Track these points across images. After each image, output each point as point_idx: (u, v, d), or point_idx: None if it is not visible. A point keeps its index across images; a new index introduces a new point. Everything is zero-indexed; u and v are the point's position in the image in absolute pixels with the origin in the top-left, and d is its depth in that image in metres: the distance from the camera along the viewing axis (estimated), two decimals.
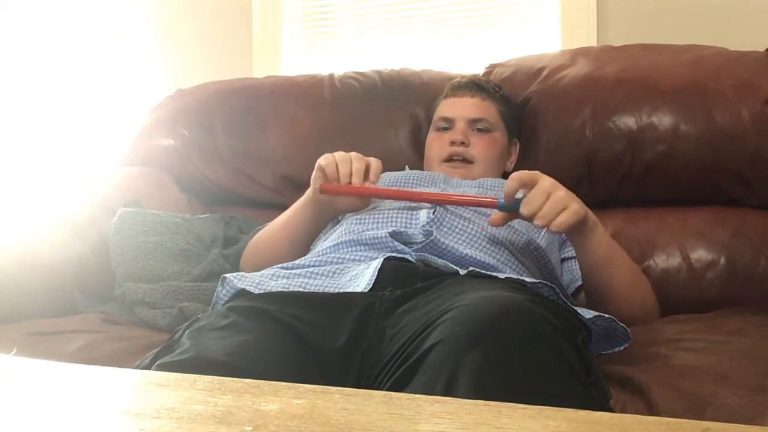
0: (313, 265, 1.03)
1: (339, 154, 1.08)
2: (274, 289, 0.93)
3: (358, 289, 0.91)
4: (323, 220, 1.19)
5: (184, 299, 1.25)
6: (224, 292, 0.99)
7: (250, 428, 0.40)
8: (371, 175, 1.07)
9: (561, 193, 0.97)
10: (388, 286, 0.90)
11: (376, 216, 1.13)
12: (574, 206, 0.97)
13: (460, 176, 1.33)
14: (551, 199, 0.96)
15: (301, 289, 0.93)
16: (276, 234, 1.25)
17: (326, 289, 0.93)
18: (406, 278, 0.93)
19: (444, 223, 1.09)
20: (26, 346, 1.07)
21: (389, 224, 1.10)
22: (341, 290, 0.92)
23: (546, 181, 0.98)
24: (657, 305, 1.16)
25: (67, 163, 2.08)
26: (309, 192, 1.16)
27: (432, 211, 1.11)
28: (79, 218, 1.42)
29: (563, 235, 1.27)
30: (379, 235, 1.04)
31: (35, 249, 1.30)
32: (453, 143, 1.35)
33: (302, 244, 1.22)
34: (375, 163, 1.08)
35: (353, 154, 1.09)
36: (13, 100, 2.22)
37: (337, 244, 1.08)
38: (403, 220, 1.10)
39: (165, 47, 2.26)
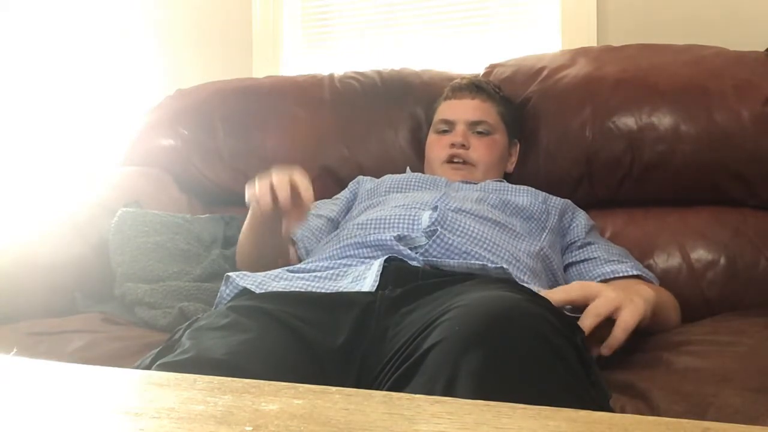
0: (317, 270, 1.03)
1: (260, 185, 1.00)
2: (274, 290, 0.93)
3: (364, 289, 0.91)
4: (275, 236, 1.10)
5: (184, 299, 1.25)
6: (228, 291, 0.99)
7: (250, 428, 0.40)
8: (303, 192, 0.97)
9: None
10: (388, 286, 0.91)
11: (379, 219, 1.13)
12: (625, 312, 0.89)
13: (461, 178, 1.33)
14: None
15: (301, 290, 0.93)
16: (245, 253, 1.20)
17: (327, 291, 0.94)
18: (406, 278, 0.93)
19: (446, 223, 1.08)
20: (26, 346, 1.07)
21: (392, 228, 1.09)
22: (343, 290, 0.92)
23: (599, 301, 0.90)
24: (678, 307, 1.18)
25: (67, 163, 2.08)
26: (249, 215, 1.11)
27: (434, 212, 1.11)
28: (79, 218, 1.42)
29: (568, 239, 1.27)
30: (384, 239, 1.04)
31: (35, 249, 1.30)
32: (453, 146, 1.35)
33: (275, 253, 1.17)
34: (300, 179, 0.97)
35: (277, 175, 0.99)
36: (13, 100, 2.22)
37: (342, 247, 1.07)
38: (406, 222, 1.10)
39: (165, 47, 2.26)
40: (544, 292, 0.89)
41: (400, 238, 1.04)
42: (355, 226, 1.13)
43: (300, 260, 1.19)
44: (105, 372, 0.54)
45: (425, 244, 1.03)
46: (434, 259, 1.00)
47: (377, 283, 0.91)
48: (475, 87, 1.42)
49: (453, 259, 1.00)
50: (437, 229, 1.03)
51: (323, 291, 0.93)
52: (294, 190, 0.95)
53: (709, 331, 1.04)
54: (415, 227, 1.09)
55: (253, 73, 2.07)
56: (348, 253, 1.06)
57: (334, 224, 1.31)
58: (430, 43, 1.98)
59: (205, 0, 2.22)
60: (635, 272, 1.18)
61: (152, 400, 0.46)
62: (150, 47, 2.29)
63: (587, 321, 0.86)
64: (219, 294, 1.01)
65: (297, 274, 1.00)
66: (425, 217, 1.10)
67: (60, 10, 2.32)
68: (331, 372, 0.80)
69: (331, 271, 1.00)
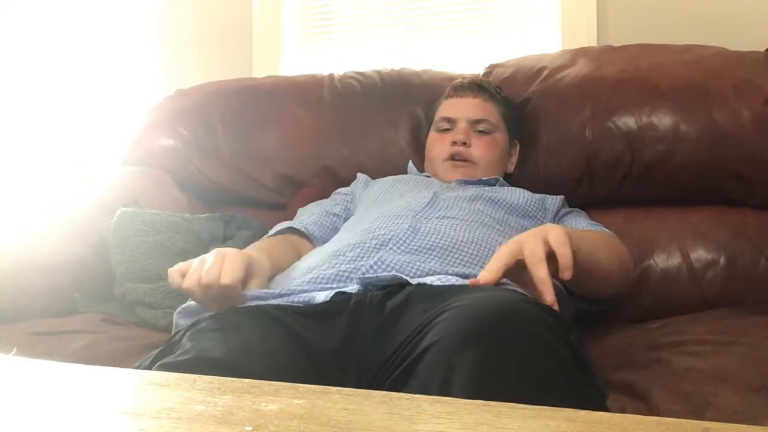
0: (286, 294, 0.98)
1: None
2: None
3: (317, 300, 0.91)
4: None
5: (184, 299, 1.25)
6: (186, 322, 0.95)
7: (250, 428, 0.40)
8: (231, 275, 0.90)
9: (533, 240, 0.85)
10: (374, 290, 0.91)
11: (355, 245, 1.07)
12: (551, 235, 0.85)
13: (461, 175, 1.33)
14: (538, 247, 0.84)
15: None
16: None
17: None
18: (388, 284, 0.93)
19: (415, 240, 1.04)
20: (26, 346, 1.08)
21: (363, 255, 1.03)
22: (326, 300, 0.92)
23: (525, 247, 0.85)
24: (628, 256, 1.15)
25: (67, 163, 2.08)
26: None
27: (409, 227, 1.06)
28: (79, 218, 1.42)
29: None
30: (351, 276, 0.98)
31: (35, 249, 1.30)
32: (454, 143, 1.35)
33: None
34: (230, 264, 0.91)
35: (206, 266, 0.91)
36: (13, 100, 2.22)
37: (309, 280, 1.01)
38: (378, 243, 1.04)
39: (165, 47, 2.26)
40: (482, 275, 0.85)
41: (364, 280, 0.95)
42: (332, 256, 1.06)
43: None
44: (105, 372, 0.54)
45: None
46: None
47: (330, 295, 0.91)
48: (477, 86, 1.43)
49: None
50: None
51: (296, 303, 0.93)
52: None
53: (708, 331, 1.04)
54: (388, 245, 1.04)
55: (253, 73, 2.07)
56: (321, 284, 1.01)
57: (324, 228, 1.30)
58: (430, 43, 1.98)
59: (205, 0, 2.22)
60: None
61: (152, 400, 0.46)
62: (150, 47, 2.29)
63: (540, 271, 0.81)
64: (175, 325, 0.98)
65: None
66: (398, 236, 1.04)
67: (60, 10, 2.32)
68: (331, 372, 0.81)
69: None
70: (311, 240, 1.24)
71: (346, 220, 1.30)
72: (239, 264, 0.92)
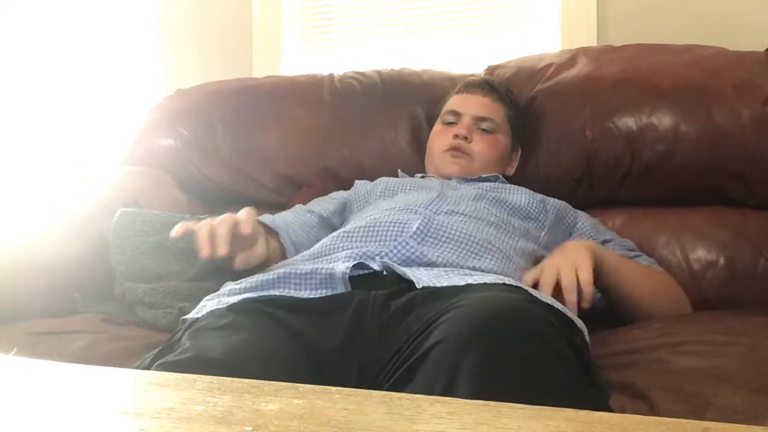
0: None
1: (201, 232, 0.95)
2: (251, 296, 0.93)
3: (338, 269, 0.92)
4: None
5: (184, 299, 1.25)
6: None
7: (250, 428, 0.40)
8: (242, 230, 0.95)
9: (562, 258, 1.01)
10: (377, 287, 0.91)
11: (366, 226, 1.09)
12: (582, 255, 1.00)
13: (459, 168, 1.33)
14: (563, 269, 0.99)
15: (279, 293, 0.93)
16: None
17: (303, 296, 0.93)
18: (392, 281, 0.93)
19: (431, 231, 1.04)
20: (26, 346, 1.07)
21: (376, 239, 1.05)
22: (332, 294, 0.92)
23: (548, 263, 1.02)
24: (684, 297, 1.21)
25: (67, 163, 2.08)
26: None
27: (422, 219, 1.07)
28: (79, 218, 1.42)
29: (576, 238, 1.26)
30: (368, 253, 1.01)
31: (35, 249, 1.30)
32: (456, 137, 1.36)
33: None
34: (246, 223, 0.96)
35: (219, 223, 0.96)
36: (13, 100, 2.22)
37: (320, 254, 1.06)
38: (394, 231, 1.06)
39: (165, 47, 2.26)
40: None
41: (385, 263, 0.98)
42: (341, 236, 1.09)
43: (286, 250, 1.17)
44: (105, 372, 0.54)
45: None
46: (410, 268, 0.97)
47: (349, 269, 0.92)
48: (488, 85, 1.44)
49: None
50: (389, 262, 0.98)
51: (301, 296, 0.93)
52: (235, 235, 0.95)
53: (708, 330, 1.03)
54: (404, 233, 1.04)
55: (253, 73, 2.07)
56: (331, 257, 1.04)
57: (325, 222, 1.30)
58: (430, 43, 1.98)
59: (205, 0, 2.22)
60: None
61: (152, 400, 0.46)
62: (150, 47, 2.29)
63: (572, 296, 0.96)
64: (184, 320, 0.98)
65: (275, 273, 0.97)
66: (413, 225, 1.05)
67: (60, 10, 2.32)
68: (331, 371, 0.80)
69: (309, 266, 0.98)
70: (280, 238, 1.21)
71: (321, 218, 1.29)
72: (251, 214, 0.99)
